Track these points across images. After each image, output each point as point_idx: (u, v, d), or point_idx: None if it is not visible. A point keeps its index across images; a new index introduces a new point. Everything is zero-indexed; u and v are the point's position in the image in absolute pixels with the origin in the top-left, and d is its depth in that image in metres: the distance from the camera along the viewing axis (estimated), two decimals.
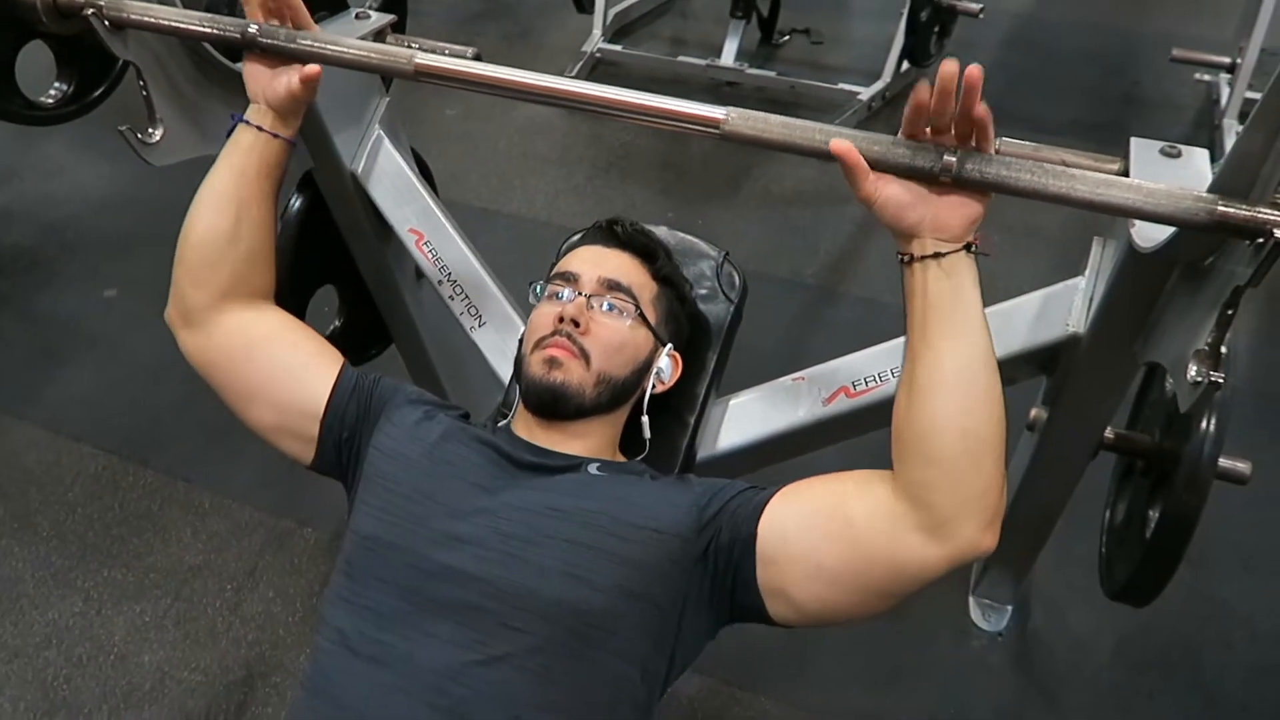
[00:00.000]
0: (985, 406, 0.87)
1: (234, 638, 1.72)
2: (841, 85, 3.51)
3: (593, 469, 1.05)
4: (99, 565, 1.85)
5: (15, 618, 1.76)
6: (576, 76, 3.61)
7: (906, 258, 0.89)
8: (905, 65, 3.53)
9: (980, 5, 3.39)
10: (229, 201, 1.09)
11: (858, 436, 1.30)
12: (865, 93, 3.45)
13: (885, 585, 0.91)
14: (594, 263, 1.12)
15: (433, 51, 1.49)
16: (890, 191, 0.88)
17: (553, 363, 1.06)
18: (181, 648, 1.71)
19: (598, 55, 3.78)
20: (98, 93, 1.43)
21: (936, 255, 0.87)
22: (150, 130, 1.26)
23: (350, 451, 1.09)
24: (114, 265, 2.65)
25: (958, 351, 0.87)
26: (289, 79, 1.10)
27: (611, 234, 1.15)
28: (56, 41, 1.33)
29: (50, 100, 1.38)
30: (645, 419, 1.13)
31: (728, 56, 3.62)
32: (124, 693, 1.64)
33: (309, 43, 1.11)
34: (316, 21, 1.49)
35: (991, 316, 1.23)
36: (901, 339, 1.27)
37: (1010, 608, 1.79)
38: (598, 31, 3.80)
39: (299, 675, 1.61)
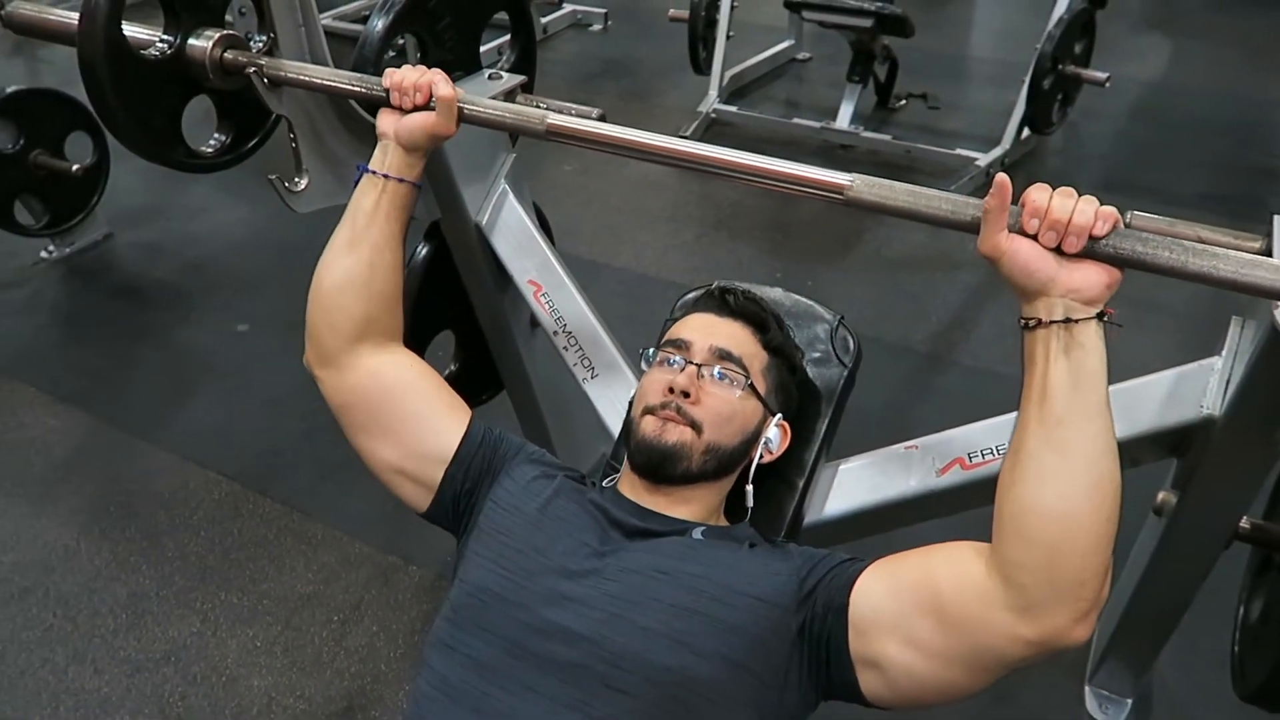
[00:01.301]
0: (1098, 495, 0.82)
1: (338, 669, 1.77)
2: (959, 150, 3.48)
3: (697, 534, 1.05)
4: (217, 588, 1.93)
5: (139, 633, 1.84)
6: (691, 136, 3.69)
7: (1031, 322, 0.84)
8: (1026, 132, 3.48)
9: (1106, 75, 3.33)
10: (359, 248, 1.13)
11: (969, 510, 1.27)
12: (984, 159, 3.41)
13: (974, 661, 0.87)
14: (705, 331, 1.13)
15: (561, 112, 1.56)
16: (1022, 245, 0.84)
17: (663, 427, 1.07)
18: (288, 674, 1.76)
19: (713, 115, 3.85)
20: (251, 144, 1.52)
21: (1067, 321, 0.83)
22: (297, 180, 1.34)
23: (467, 503, 1.11)
24: (247, 302, 2.80)
25: (1075, 433, 0.82)
26: (423, 117, 1.15)
27: (724, 303, 1.16)
28: (219, 96, 1.43)
29: (210, 149, 1.47)
30: (750, 488, 1.12)
31: (843, 120, 3.64)
32: (233, 714, 1.69)
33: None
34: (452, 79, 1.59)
35: (1118, 393, 1.20)
36: (994, 426, 1.26)
37: (1130, 701, 1.69)
38: (713, 93, 3.87)
39: (399, 714, 1.64)
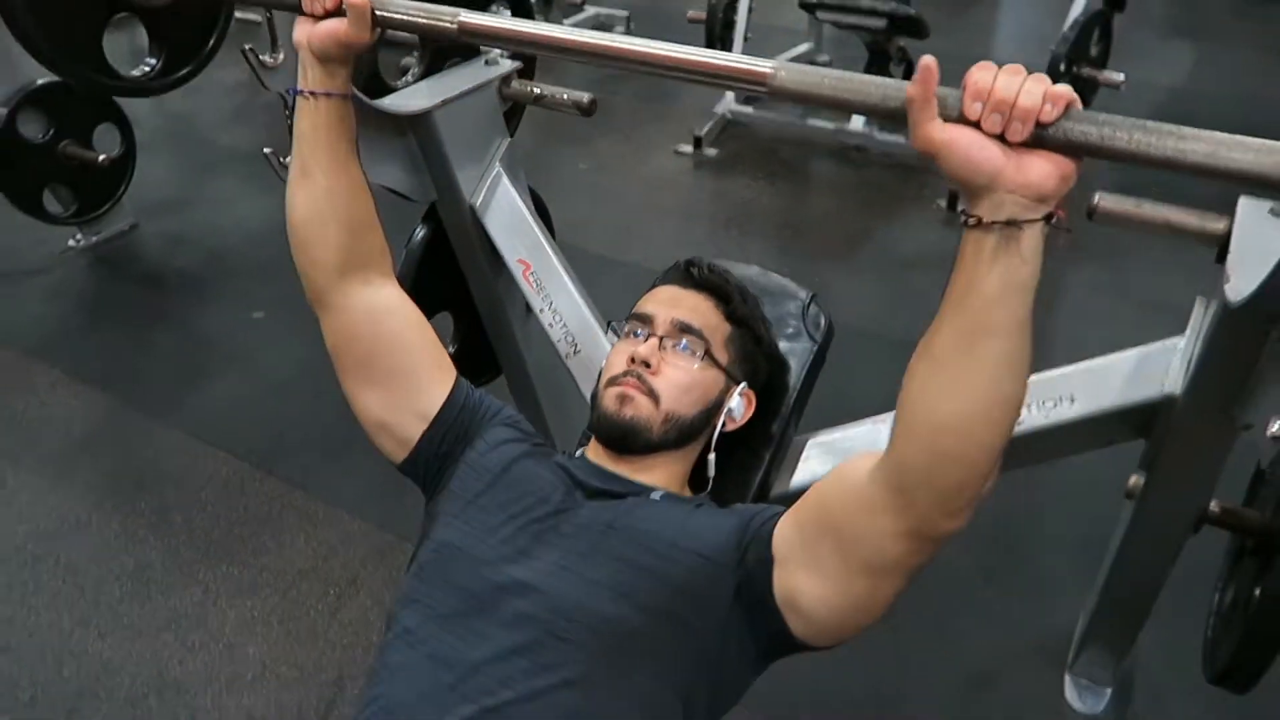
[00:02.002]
0: (997, 413, 0.78)
1: (331, 640, 1.82)
2: None
3: (655, 496, 1.08)
4: (219, 560, 1.99)
5: (143, 601, 1.91)
6: (705, 136, 3.72)
7: (971, 220, 0.74)
8: None
9: (1122, 76, 3.33)
10: (312, 175, 1.09)
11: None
12: None
13: (866, 568, 0.88)
14: (669, 304, 1.16)
15: (554, 96, 1.61)
16: (961, 134, 0.72)
17: (624, 399, 1.09)
18: (284, 644, 1.81)
19: (728, 116, 3.88)
20: (185, 70, 1.47)
21: (1010, 223, 0.72)
22: (273, 55, 1.37)
23: (440, 465, 1.13)
24: (264, 290, 2.87)
25: (989, 347, 0.76)
26: (335, 24, 1.04)
27: (689, 275, 1.19)
28: (147, 15, 1.37)
29: (139, 74, 1.43)
30: (712, 456, 1.15)
31: (856, 122, 3.66)
32: (228, 679, 1.75)
33: None
34: (448, 68, 1.64)
35: (1086, 371, 1.24)
36: None
37: (1109, 690, 1.69)
38: (730, 94, 3.91)
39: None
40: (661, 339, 1.13)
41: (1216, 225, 1.14)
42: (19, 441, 2.34)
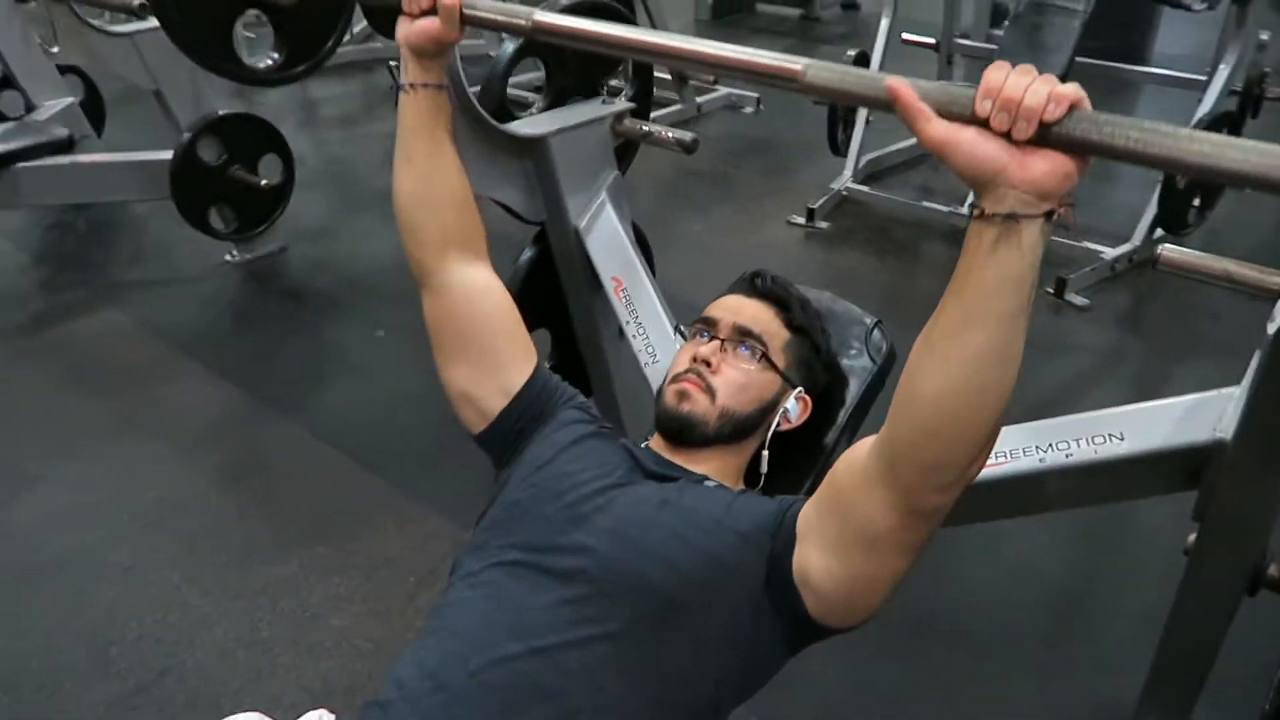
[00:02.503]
0: (980, 398, 0.82)
1: (405, 621, 1.94)
2: (1086, 244, 3.48)
3: (708, 483, 1.17)
4: (316, 541, 2.15)
5: (245, 568, 2.08)
6: (818, 209, 3.84)
7: (976, 211, 0.78)
8: (1160, 232, 3.45)
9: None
10: (414, 161, 1.21)
11: (988, 513, 1.33)
12: (1110, 253, 3.40)
13: (863, 541, 0.93)
14: (732, 310, 1.26)
15: (660, 133, 1.75)
16: (964, 133, 0.76)
17: (683, 395, 1.20)
18: (363, 620, 1.94)
19: (844, 193, 3.99)
20: (303, 66, 1.60)
21: (1011, 216, 0.75)
22: None
23: (515, 439, 1.24)
24: (388, 314, 3.10)
25: (979, 333, 0.80)
26: (428, 23, 1.15)
27: (752, 285, 1.29)
28: (275, 14, 1.50)
29: (263, 66, 1.57)
30: (765, 453, 1.23)
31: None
32: (309, 645, 1.89)
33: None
34: (565, 104, 1.81)
35: (1139, 411, 1.27)
36: (1043, 422, 1.32)
37: None
38: (848, 172, 4.02)
39: None
40: (723, 341, 1.23)
41: (1275, 279, 1.17)
42: (160, 421, 2.59)
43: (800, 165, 4.46)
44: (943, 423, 0.84)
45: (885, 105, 0.81)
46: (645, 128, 1.80)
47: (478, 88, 1.66)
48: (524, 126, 1.69)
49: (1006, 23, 3.87)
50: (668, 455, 1.21)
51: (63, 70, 3.77)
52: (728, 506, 1.10)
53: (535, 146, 1.69)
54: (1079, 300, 3.23)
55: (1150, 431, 1.24)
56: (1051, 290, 3.25)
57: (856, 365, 1.37)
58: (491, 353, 1.25)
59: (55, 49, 3.22)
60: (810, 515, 1.01)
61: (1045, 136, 0.74)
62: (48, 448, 2.46)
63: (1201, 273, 1.25)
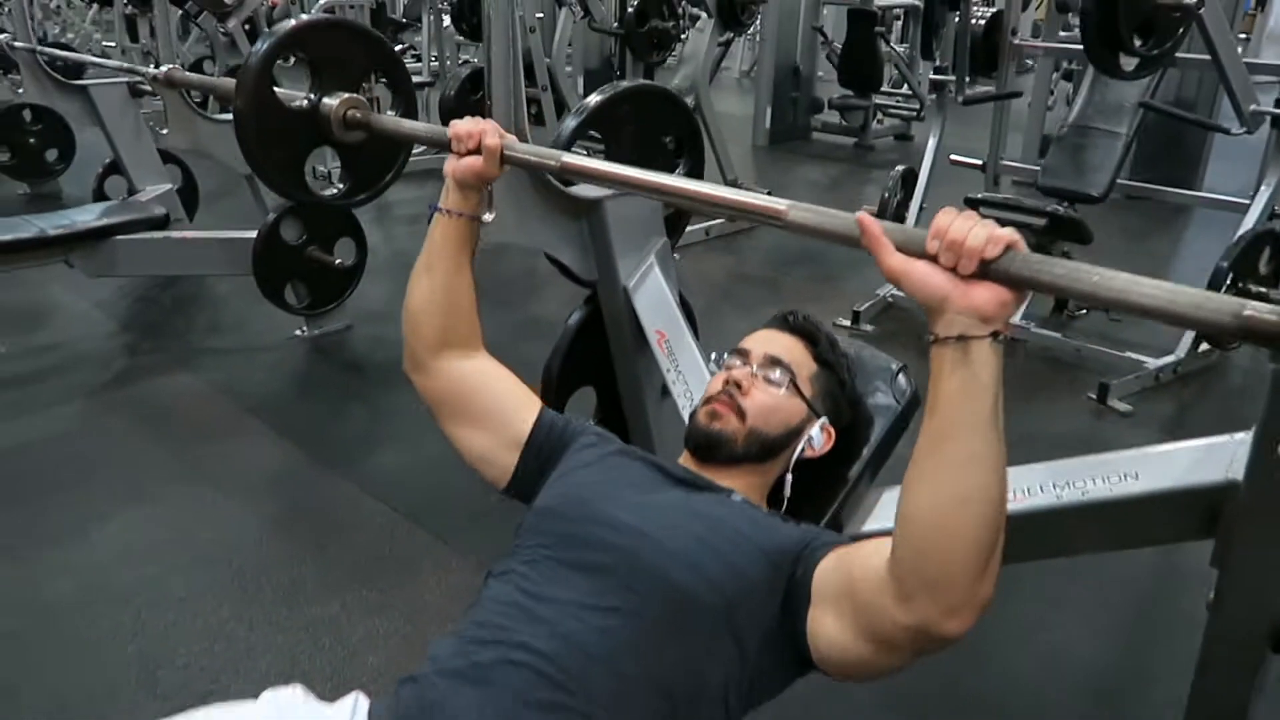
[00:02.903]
0: (967, 507, 0.89)
1: None
2: (1129, 354, 3.51)
3: (735, 498, 1.24)
4: (360, 585, 2.23)
5: (290, 607, 2.15)
6: (863, 312, 3.94)
7: (931, 338, 0.90)
8: (1205, 346, 3.48)
9: None
10: (433, 272, 1.35)
11: (1007, 550, 1.36)
12: (1154, 363, 3.43)
13: (875, 639, 0.99)
14: (764, 342, 1.36)
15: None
16: (917, 265, 0.89)
17: (714, 415, 1.29)
18: (399, 659, 1.99)
19: (889, 300, 4.10)
20: (363, 194, 1.78)
21: (961, 338, 0.87)
22: (489, 213, 1.71)
23: (539, 477, 1.31)
24: None
25: (957, 445, 0.89)
26: (474, 160, 1.32)
27: (784, 321, 1.40)
28: (344, 150, 1.68)
29: (329, 194, 1.76)
30: (789, 476, 1.30)
31: (1015, 315, 3.78)
32: (345, 678, 1.94)
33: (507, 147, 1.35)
34: None
35: (1154, 453, 1.32)
36: (1061, 462, 1.38)
37: None
38: None
39: None
40: (754, 368, 1.32)
41: None
42: (222, 472, 2.72)
43: (848, 275, 4.59)
44: (936, 536, 0.91)
45: (855, 241, 0.95)
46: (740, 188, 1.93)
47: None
48: (583, 190, 1.84)
49: (1052, 143, 4.02)
50: (697, 469, 1.29)
51: (165, 159, 4.11)
52: (754, 522, 1.17)
53: (592, 208, 1.84)
54: (1122, 407, 3.25)
55: (1165, 471, 1.28)
56: (1094, 395, 3.28)
57: (881, 405, 1.45)
58: (495, 411, 1.35)
59: (165, 131, 3.53)
60: (827, 580, 1.06)
61: (985, 271, 0.86)
62: (119, 491, 2.60)
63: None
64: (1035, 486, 1.34)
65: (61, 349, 3.55)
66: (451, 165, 1.34)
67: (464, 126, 1.33)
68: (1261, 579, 1.28)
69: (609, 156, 1.98)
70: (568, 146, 1.89)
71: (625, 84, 1.82)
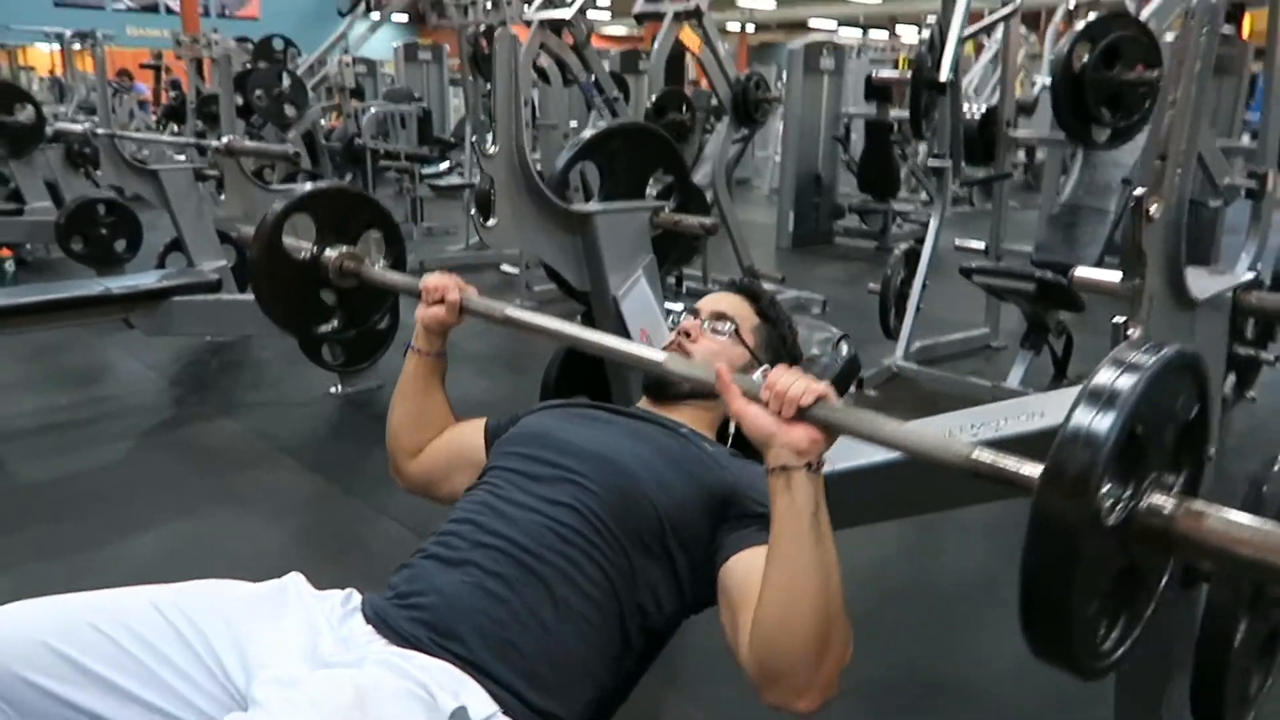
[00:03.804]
0: (796, 609, 1.03)
1: None
2: None
3: (683, 430, 1.42)
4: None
5: None
6: (868, 379, 4.11)
7: (764, 469, 1.07)
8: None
9: (1277, 356, 3.44)
10: (407, 400, 1.56)
11: (926, 484, 1.52)
12: None
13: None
14: (712, 302, 1.57)
15: (681, 222, 2.12)
16: (749, 409, 1.09)
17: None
18: None
19: (894, 369, 4.27)
20: (354, 331, 2.01)
21: (784, 468, 1.04)
22: (491, 220, 1.97)
23: None
24: None
25: (785, 557, 1.05)
26: (438, 309, 1.51)
27: (731, 284, 1.62)
28: (339, 293, 1.87)
29: (326, 329, 1.94)
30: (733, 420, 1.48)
31: (1013, 380, 3.93)
32: None
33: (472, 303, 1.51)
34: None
35: (1055, 396, 1.48)
36: (970, 410, 1.55)
37: None
38: (899, 351, 4.33)
39: None
40: (703, 321, 1.53)
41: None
42: (253, 497, 2.94)
43: (859, 349, 4.78)
44: (776, 632, 1.06)
45: (712, 388, 1.15)
46: (675, 218, 2.18)
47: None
48: (578, 206, 2.10)
49: (1046, 221, 4.25)
50: (651, 408, 1.48)
51: (222, 240, 4.50)
52: (694, 454, 1.34)
53: (585, 222, 2.09)
54: None
55: (1067, 406, 1.44)
56: None
57: (825, 365, 1.64)
58: (457, 455, 1.54)
59: (221, 197, 3.90)
60: (728, 585, 1.19)
61: (802, 415, 1.05)
62: (161, 510, 2.82)
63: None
64: (956, 428, 1.50)
65: (117, 400, 3.85)
66: (420, 312, 1.54)
67: (432, 281, 1.53)
68: None
69: (603, 188, 2.25)
70: (563, 176, 2.16)
71: (618, 121, 2.08)
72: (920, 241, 8.13)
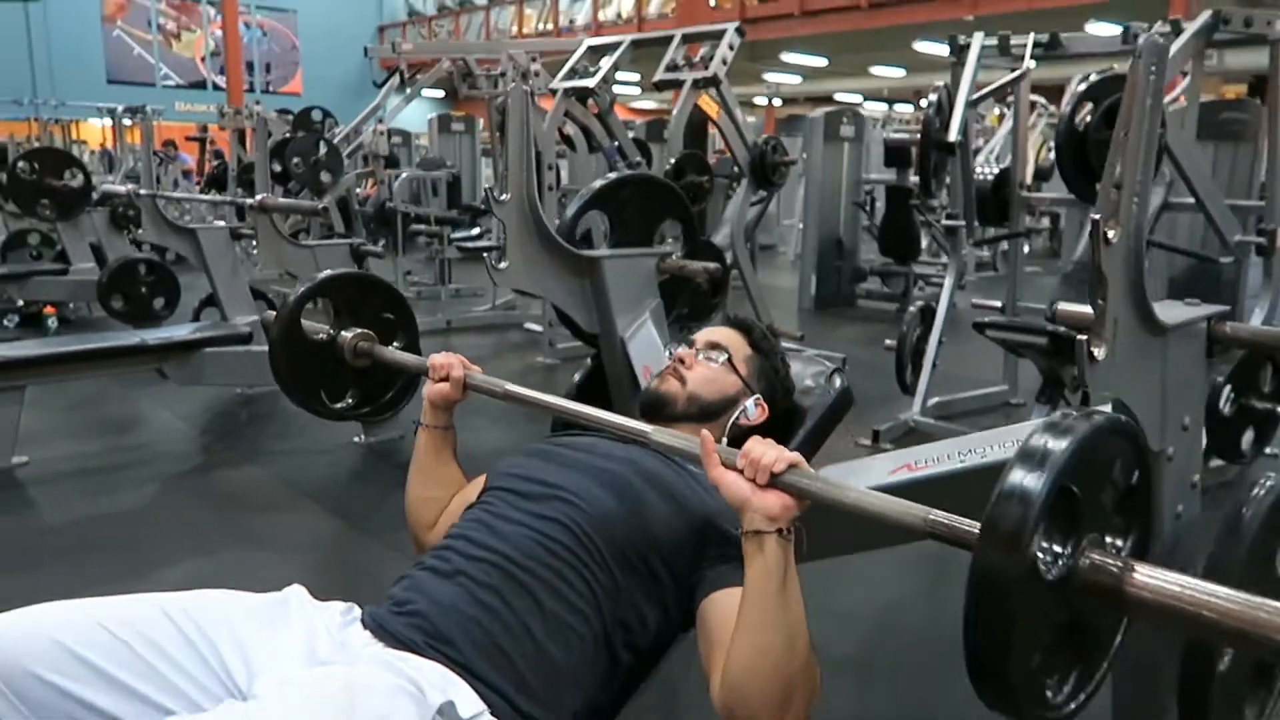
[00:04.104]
0: (764, 660, 1.11)
1: None
2: None
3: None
4: None
5: None
6: (884, 432, 4.14)
7: (742, 530, 1.13)
8: (1216, 460, 3.57)
9: None
10: (423, 473, 1.65)
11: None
12: None
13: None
14: (708, 333, 1.65)
15: (687, 267, 2.21)
16: (727, 476, 1.14)
17: (661, 379, 1.57)
18: None
19: (911, 424, 4.30)
20: (367, 409, 2.12)
21: (757, 532, 1.11)
22: (502, 263, 2.06)
23: None
24: None
25: (755, 614, 1.11)
26: (444, 386, 1.61)
27: (726, 319, 1.70)
28: (353, 371, 1.97)
29: (340, 406, 2.06)
30: (725, 440, 1.53)
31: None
32: None
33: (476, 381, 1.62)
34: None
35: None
36: (965, 437, 1.59)
37: None
38: (916, 407, 4.36)
39: None
40: (698, 350, 1.60)
41: None
42: (272, 535, 3.03)
43: (874, 405, 4.79)
44: (744, 680, 1.13)
45: (696, 456, 1.20)
46: (681, 263, 2.27)
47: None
48: (587, 251, 2.19)
49: (1060, 279, 4.30)
50: None
51: (255, 296, 4.66)
52: (676, 475, 1.41)
53: (594, 266, 2.18)
54: None
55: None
56: None
57: (819, 397, 1.69)
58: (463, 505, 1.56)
59: (255, 250, 4.05)
60: (705, 624, 1.26)
61: (774, 482, 1.11)
62: (185, 545, 2.92)
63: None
64: (943, 456, 1.54)
65: (147, 447, 3.96)
66: (427, 389, 1.64)
67: (439, 360, 1.63)
68: None
69: (612, 234, 2.34)
70: (573, 225, 2.26)
71: (627, 171, 2.18)
72: (937, 299, 8.20)
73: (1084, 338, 1.19)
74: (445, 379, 1.61)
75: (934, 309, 4.51)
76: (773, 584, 1.11)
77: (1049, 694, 0.93)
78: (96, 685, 1.15)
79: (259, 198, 3.30)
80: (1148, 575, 0.88)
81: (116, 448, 3.93)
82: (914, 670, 2.35)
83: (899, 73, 18.26)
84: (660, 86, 5.18)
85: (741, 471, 1.13)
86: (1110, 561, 0.90)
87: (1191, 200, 3.81)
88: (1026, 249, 7.51)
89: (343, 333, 1.92)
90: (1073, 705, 0.95)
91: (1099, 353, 1.17)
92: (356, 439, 3.98)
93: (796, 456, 1.13)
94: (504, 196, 2.11)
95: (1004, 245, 6.78)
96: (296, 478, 3.59)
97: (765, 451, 1.12)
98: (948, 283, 4.54)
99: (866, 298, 8.24)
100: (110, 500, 3.30)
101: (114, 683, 1.16)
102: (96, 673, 1.16)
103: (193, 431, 4.20)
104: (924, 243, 8.21)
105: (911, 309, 4.60)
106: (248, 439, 4.12)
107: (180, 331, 3.94)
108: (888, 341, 4.56)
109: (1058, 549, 0.88)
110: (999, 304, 4.76)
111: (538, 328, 5.97)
